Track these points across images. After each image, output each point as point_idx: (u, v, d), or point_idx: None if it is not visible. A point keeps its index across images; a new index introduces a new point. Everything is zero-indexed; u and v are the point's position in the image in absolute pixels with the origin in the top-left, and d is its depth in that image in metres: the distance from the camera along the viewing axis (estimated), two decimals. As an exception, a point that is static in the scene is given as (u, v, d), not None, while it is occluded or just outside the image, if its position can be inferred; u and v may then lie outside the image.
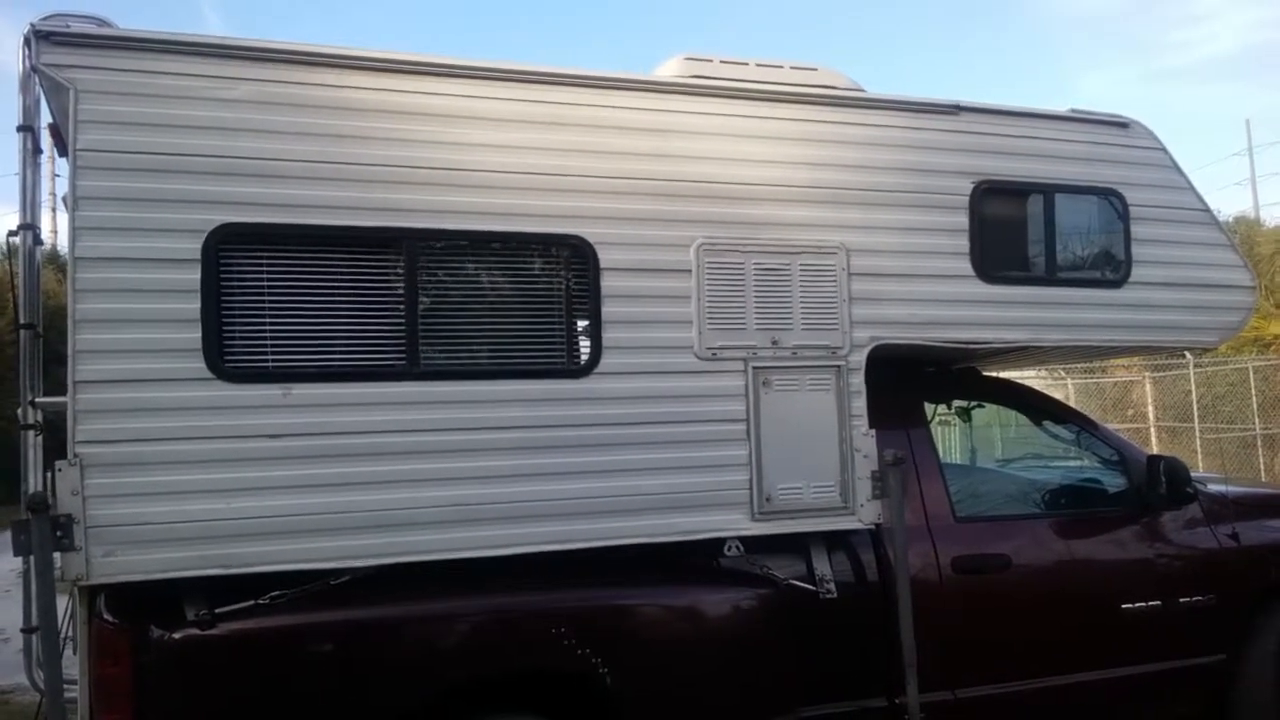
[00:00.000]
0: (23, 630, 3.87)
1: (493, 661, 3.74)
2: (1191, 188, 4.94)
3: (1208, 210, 4.97)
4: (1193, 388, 16.32)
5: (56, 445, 3.53)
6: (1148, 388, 18.09)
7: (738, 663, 3.99)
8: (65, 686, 3.64)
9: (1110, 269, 4.78)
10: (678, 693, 3.90)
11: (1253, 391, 15.85)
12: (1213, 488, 5.24)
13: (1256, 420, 15.77)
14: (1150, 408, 17.94)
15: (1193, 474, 5.22)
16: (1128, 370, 18.96)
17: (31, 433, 3.87)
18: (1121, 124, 4.83)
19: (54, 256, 17.11)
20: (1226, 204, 51.36)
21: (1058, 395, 18.07)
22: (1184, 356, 15.79)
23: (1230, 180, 63.13)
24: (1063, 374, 19.00)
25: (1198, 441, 16.14)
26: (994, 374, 5.61)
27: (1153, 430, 17.70)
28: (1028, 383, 15.28)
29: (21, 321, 3.86)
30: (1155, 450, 15.55)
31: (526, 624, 3.79)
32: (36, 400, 3.85)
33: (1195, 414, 16.21)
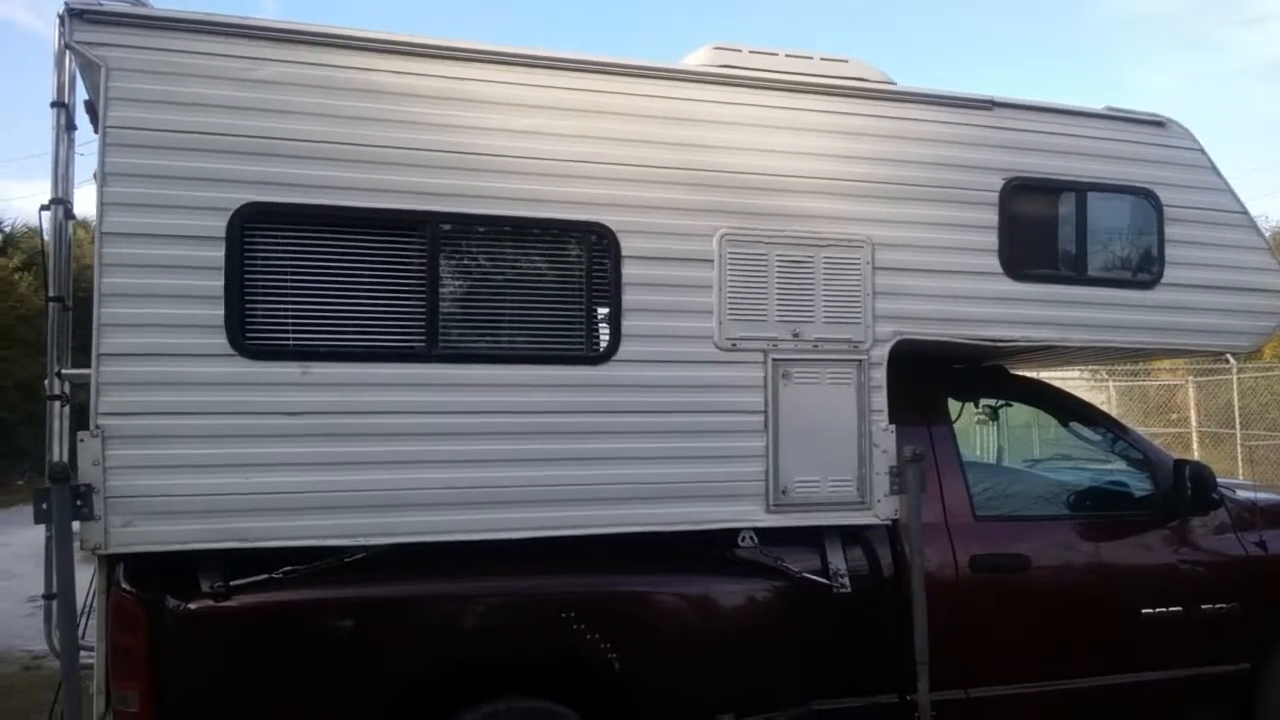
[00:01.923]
0: (44, 597, 3.95)
1: (501, 643, 3.77)
2: (1229, 189, 4.85)
3: (1245, 212, 4.88)
4: (1235, 394, 16.06)
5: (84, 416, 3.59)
6: (1191, 392, 17.82)
7: (747, 654, 3.99)
8: (85, 654, 3.73)
9: (1142, 269, 4.71)
10: (686, 681, 3.90)
11: (1299, 400, 15.60)
12: (1242, 495, 5.16)
13: (1301, 429, 15.52)
14: (1193, 412, 17.67)
15: (1223, 481, 5.15)
16: (1172, 374, 18.70)
17: (58, 403, 3.94)
18: (1158, 123, 4.75)
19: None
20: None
21: (1099, 398, 17.94)
22: (1228, 361, 15.54)
23: (1285, 184, 61.76)
24: (1105, 376, 18.79)
25: (1238, 448, 15.88)
26: (1022, 373, 5.55)
27: (1194, 435, 17.44)
28: (1070, 384, 15.22)
29: (51, 294, 3.92)
30: (1196, 456, 15.46)
31: (536, 607, 3.81)
32: (63, 372, 3.92)
33: (1237, 420, 15.95)
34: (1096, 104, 4.76)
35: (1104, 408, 16.92)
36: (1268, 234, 23.98)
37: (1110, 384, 18.89)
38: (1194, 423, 17.60)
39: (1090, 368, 17.14)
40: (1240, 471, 15.34)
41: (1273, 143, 52.53)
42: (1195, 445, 17.21)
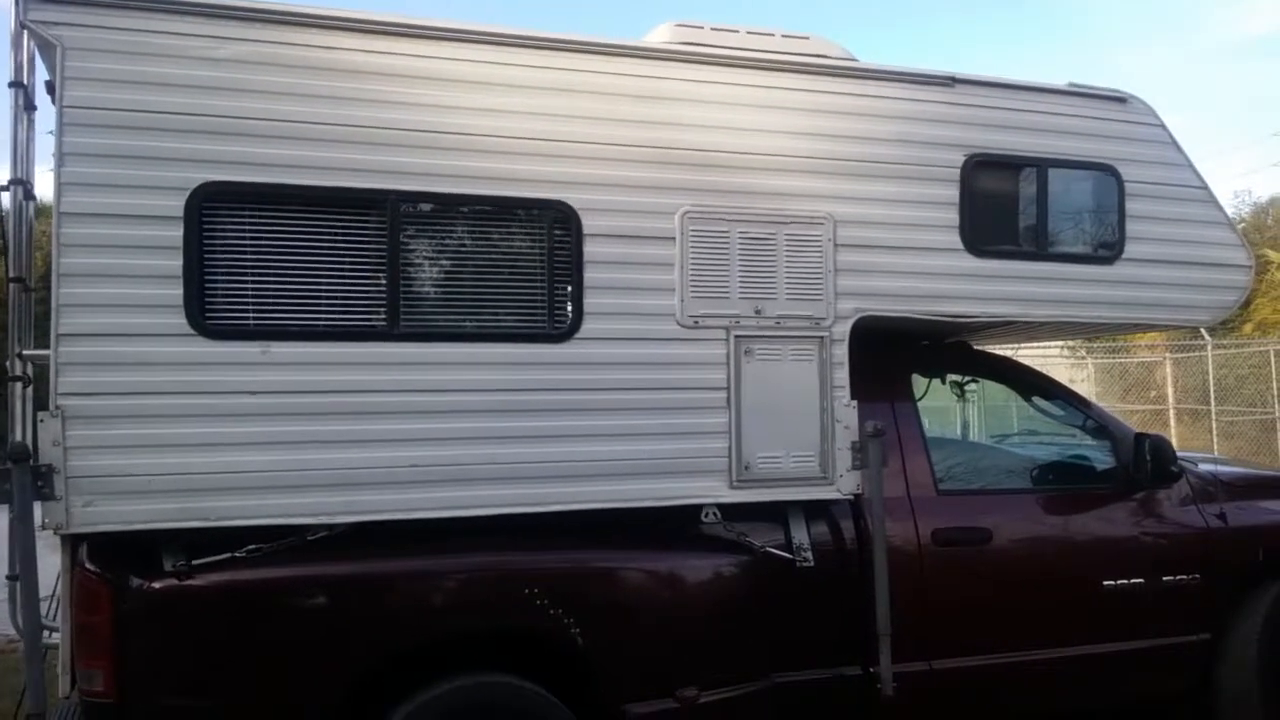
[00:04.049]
0: (7, 578, 3.97)
1: (465, 619, 3.81)
2: (1190, 164, 4.89)
3: (1206, 188, 4.91)
4: (1210, 370, 16.19)
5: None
6: (1168, 369, 17.94)
7: (710, 628, 4.03)
8: (56, 635, 3.75)
9: (1103, 245, 4.74)
10: (649, 655, 3.94)
11: (1274, 375, 15.72)
12: (1204, 468, 5.22)
13: (1277, 404, 15.65)
14: (1170, 389, 17.80)
15: (1188, 454, 5.21)
16: (1150, 351, 18.82)
17: (19, 384, 3.95)
18: (1119, 99, 4.78)
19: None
20: (1263, 186, 50.65)
21: (1079, 375, 18.05)
22: (1203, 336, 15.65)
23: (1267, 162, 61.91)
24: (1084, 354, 18.90)
25: (1213, 423, 16.02)
26: (987, 349, 5.60)
27: (1172, 412, 17.57)
28: (1050, 361, 15.28)
29: (12, 275, 3.92)
30: (1173, 432, 15.56)
31: (500, 583, 3.85)
32: (24, 353, 3.92)
33: (1212, 396, 16.09)
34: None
35: (1083, 385, 17.15)
36: (1250, 210, 24.04)
37: (1089, 361, 19.00)
38: (1171, 399, 17.73)
39: (1069, 345, 17.23)
40: (1215, 446, 15.48)
41: (1252, 121, 52.69)
42: (1173, 421, 17.34)
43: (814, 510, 4.35)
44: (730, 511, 4.13)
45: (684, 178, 4.10)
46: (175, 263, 3.52)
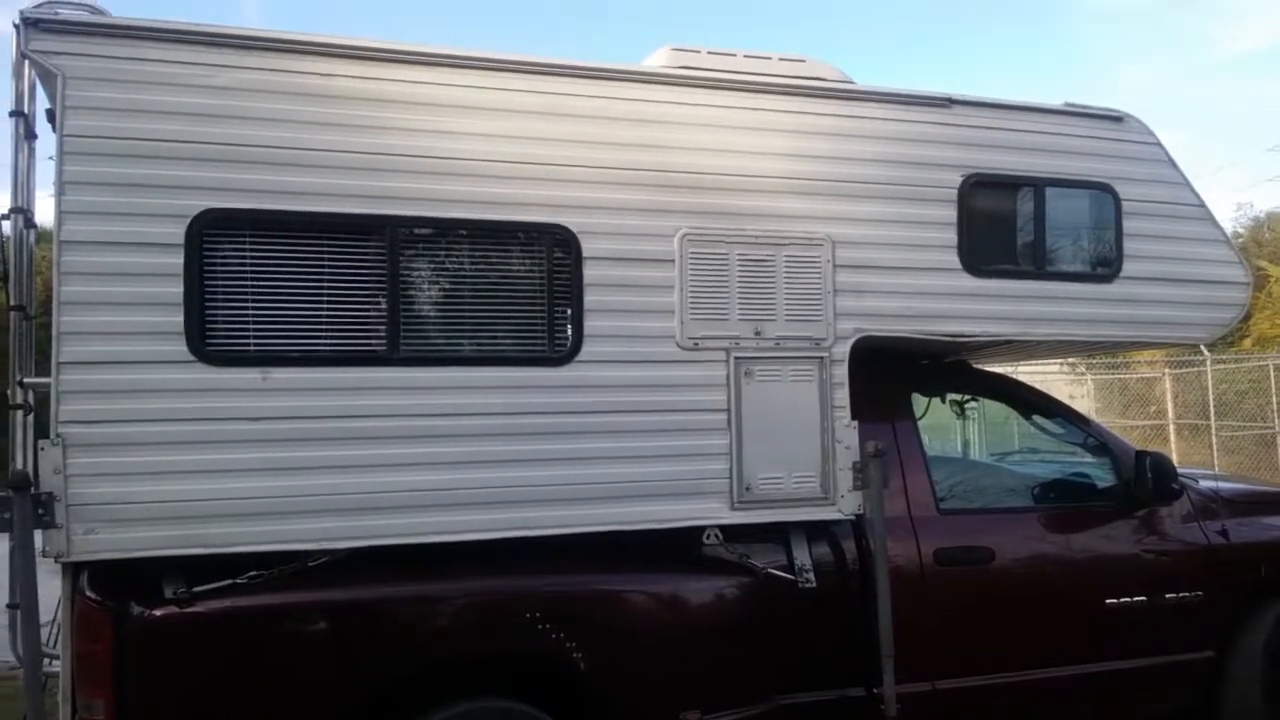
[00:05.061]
0: (7, 606, 3.95)
1: (466, 644, 3.80)
2: (1187, 183, 4.91)
3: (1203, 205, 4.93)
4: (1209, 385, 16.17)
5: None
6: (1168, 384, 17.93)
7: (714, 650, 4.01)
8: (57, 663, 3.74)
9: (1101, 263, 4.76)
10: (651, 677, 3.93)
11: (1273, 389, 15.71)
12: (1205, 484, 5.22)
13: (1277, 419, 15.64)
14: (1170, 404, 17.79)
15: (1189, 470, 5.20)
16: (1150, 367, 18.82)
17: (20, 412, 3.94)
18: (1116, 118, 4.80)
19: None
20: (1262, 200, 50.66)
21: (1078, 391, 18.03)
22: (1202, 352, 15.65)
23: (1264, 176, 62.00)
24: (1083, 370, 18.89)
25: (1213, 438, 16.00)
26: (986, 368, 5.60)
27: (1172, 428, 17.55)
28: (1049, 378, 15.25)
29: (13, 303, 3.92)
30: (1173, 448, 15.52)
31: (501, 607, 3.83)
32: (25, 381, 3.92)
33: (1211, 411, 16.07)
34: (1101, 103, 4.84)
35: (1083, 402, 17.12)
36: (1248, 225, 24.08)
37: (1088, 378, 18.98)
38: (1171, 414, 17.72)
39: (1068, 362, 17.23)
40: (1216, 462, 15.46)
41: (1252, 136, 52.81)
42: (1173, 437, 17.32)
43: (815, 531, 4.35)
44: (732, 533, 4.13)
45: (682, 200, 4.11)
46: (176, 290, 3.53)
